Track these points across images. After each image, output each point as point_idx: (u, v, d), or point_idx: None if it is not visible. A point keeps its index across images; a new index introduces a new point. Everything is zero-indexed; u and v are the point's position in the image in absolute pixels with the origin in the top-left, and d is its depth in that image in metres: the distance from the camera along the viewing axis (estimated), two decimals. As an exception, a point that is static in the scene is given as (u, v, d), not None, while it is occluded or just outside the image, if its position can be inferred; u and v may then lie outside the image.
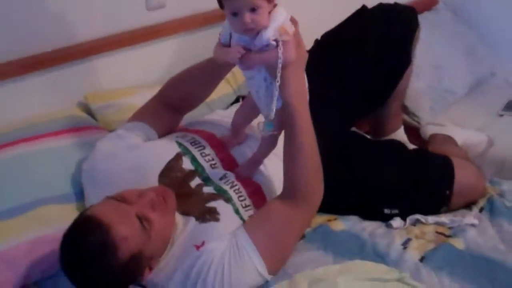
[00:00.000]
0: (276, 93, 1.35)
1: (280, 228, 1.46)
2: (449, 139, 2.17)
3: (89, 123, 1.88)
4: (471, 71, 3.05)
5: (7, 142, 1.68)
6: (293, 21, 1.38)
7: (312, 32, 2.01)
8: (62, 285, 1.39)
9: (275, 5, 1.34)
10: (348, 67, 1.89)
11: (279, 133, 1.51)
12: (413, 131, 2.62)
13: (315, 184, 1.49)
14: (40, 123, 1.78)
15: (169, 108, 1.71)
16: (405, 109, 2.84)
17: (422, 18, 3.09)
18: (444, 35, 3.09)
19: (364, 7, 1.99)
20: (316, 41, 2.03)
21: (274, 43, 1.32)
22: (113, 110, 1.94)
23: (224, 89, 2.12)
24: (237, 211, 1.49)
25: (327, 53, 1.93)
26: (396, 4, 1.98)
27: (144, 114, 1.70)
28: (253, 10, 1.27)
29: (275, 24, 1.31)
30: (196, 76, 1.65)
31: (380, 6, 1.99)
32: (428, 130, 2.30)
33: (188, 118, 1.82)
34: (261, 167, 1.60)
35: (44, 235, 1.47)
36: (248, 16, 1.27)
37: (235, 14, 1.28)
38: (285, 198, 1.48)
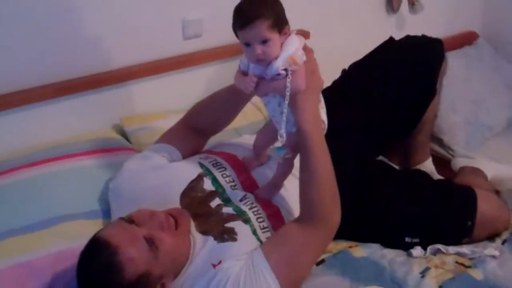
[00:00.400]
0: (284, 119, 1.39)
1: (296, 251, 1.47)
2: (477, 172, 2.16)
3: (122, 144, 1.96)
4: (510, 106, 3.02)
5: (43, 159, 1.77)
6: (307, 49, 1.43)
7: (339, 63, 2.06)
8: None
9: (289, 34, 1.39)
10: (374, 97, 1.93)
11: (294, 156, 1.54)
12: (448, 164, 2.61)
13: (331, 207, 1.50)
14: (75, 142, 1.87)
15: (194, 131, 1.77)
16: (440, 142, 2.85)
17: (462, 53, 3.14)
18: (483, 70, 3.08)
19: (391, 39, 2.03)
20: (343, 71, 2.07)
21: (283, 72, 1.37)
22: (146, 132, 2.01)
23: (254, 116, 2.18)
24: (254, 232, 1.52)
25: (354, 83, 1.98)
26: (423, 36, 2.01)
27: (170, 137, 1.77)
28: (264, 42, 1.32)
29: (285, 55, 1.36)
30: (219, 101, 1.71)
31: (408, 38, 2.02)
32: (458, 162, 2.29)
33: (214, 142, 1.88)
34: (281, 190, 1.63)
35: (69, 249, 1.52)
36: (259, 48, 1.32)
37: (247, 44, 1.34)
38: (302, 221, 1.49)
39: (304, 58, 1.40)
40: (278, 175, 1.60)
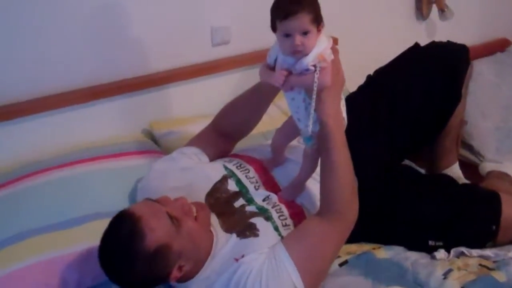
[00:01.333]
0: (312, 110, 1.44)
1: (316, 244, 1.51)
2: (504, 176, 2.14)
3: (151, 148, 2.02)
4: (541, 113, 2.98)
5: (76, 161, 1.84)
6: (334, 49, 1.47)
7: (367, 69, 2.08)
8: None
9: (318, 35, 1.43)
10: (398, 102, 1.94)
11: (317, 159, 1.58)
12: (478, 171, 2.60)
13: (349, 200, 1.54)
14: (106, 145, 1.95)
15: (221, 135, 1.82)
16: (470, 148, 2.83)
17: (493, 59, 3.11)
18: (514, 76, 3.06)
19: (416, 44, 2.04)
20: (369, 77, 2.09)
21: (312, 68, 1.41)
22: (175, 137, 2.07)
23: (281, 121, 2.19)
24: (276, 228, 1.55)
25: (379, 88, 2.00)
26: (448, 42, 2.01)
27: (198, 140, 1.82)
28: (304, 33, 1.37)
29: (316, 51, 1.41)
30: (245, 102, 1.76)
31: (433, 43, 2.04)
32: (486, 167, 2.28)
33: (241, 147, 1.91)
34: (304, 191, 1.66)
35: (98, 246, 1.56)
36: (299, 39, 1.36)
37: (287, 35, 1.38)
38: (321, 215, 1.53)
39: (332, 57, 1.44)
40: (301, 175, 1.63)
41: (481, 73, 2.98)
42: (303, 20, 1.35)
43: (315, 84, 1.41)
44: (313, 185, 1.65)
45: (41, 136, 1.93)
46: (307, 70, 1.42)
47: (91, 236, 1.58)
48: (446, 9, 2.87)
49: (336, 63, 1.47)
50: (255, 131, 1.88)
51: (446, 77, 1.93)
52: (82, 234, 1.62)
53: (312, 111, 1.43)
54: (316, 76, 1.40)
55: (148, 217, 1.38)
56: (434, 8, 2.92)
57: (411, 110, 1.94)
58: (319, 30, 1.40)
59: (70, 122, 1.96)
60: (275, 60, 1.47)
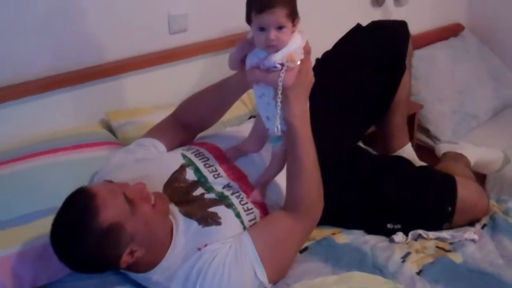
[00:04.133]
0: (279, 111, 1.44)
1: (282, 238, 1.54)
2: (460, 157, 2.19)
3: (108, 139, 1.98)
4: (496, 96, 3.07)
5: (29, 154, 1.79)
6: (306, 49, 1.47)
7: (314, 52, 2.09)
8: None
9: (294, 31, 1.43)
10: (348, 81, 1.99)
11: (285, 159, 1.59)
12: (435, 154, 2.64)
13: (316, 199, 1.57)
14: (62, 137, 1.90)
15: (182, 126, 1.79)
16: (426, 132, 2.89)
17: (448, 44, 3.17)
18: (469, 61, 3.13)
19: (358, 25, 2.11)
20: (317, 60, 2.11)
21: (279, 66, 1.41)
22: (132, 127, 2.04)
23: (240, 110, 2.20)
24: (238, 215, 1.56)
25: (327, 70, 2.03)
26: (387, 20, 2.13)
27: (157, 131, 1.80)
28: (279, 28, 1.37)
29: (286, 50, 1.41)
30: (208, 98, 1.74)
31: (373, 22, 2.12)
32: (442, 148, 2.32)
33: (203, 133, 1.90)
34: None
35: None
36: (273, 34, 1.37)
37: (262, 29, 1.38)
38: (288, 211, 1.56)
39: (302, 56, 1.45)
40: (268, 175, 1.65)
41: (436, 58, 3.03)
42: (279, 14, 1.35)
43: (279, 84, 1.41)
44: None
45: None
46: (275, 67, 1.42)
47: (46, 232, 1.54)
48: (401, -5, 2.90)
49: (306, 62, 1.48)
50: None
51: (389, 51, 2.00)
52: (37, 230, 1.58)
53: (278, 110, 1.44)
54: (281, 75, 1.41)
55: (104, 194, 1.38)
56: (390, -5, 2.95)
57: (360, 86, 1.99)
58: (294, 25, 1.41)
59: (25, 114, 1.91)
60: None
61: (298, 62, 1.44)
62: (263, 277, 1.47)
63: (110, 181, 1.48)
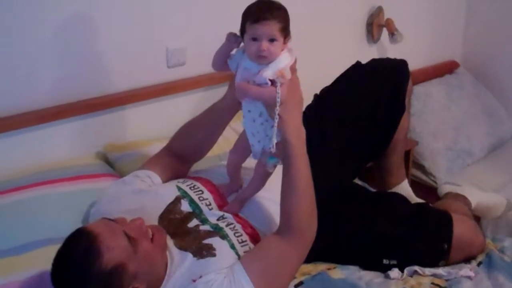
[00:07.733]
0: (276, 126, 1.45)
1: (275, 263, 1.51)
2: (459, 197, 2.20)
3: (105, 171, 1.99)
4: (490, 133, 3.10)
5: (27, 185, 1.79)
6: (292, 69, 1.48)
7: (311, 88, 2.11)
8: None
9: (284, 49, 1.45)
10: (346, 119, 2.00)
11: (269, 175, 1.59)
12: (431, 191, 2.65)
13: (309, 221, 1.55)
14: (59, 168, 1.90)
15: (176, 157, 1.80)
16: (422, 168, 2.90)
17: (443, 81, 3.21)
18: (463, 98, 3.16)
19: (358, 63, 2.12)
20: (315, 96, 2.13)
21: (269, 82, 1.43)
22: (130, 159, 2.04)
23: (235, 142, 2.21)
24: (232, 246, 1.55)
25: (326, 107, 2.04)
26: (388, 58, 2.11)
27: (152, 163, 1.81)
28: (271, 40, 1.40)
29: (276, 66, 1.43)
30: (199, 124, 1.76)
31: (373, 60, 2.14)
32: (444, 189, 2.33)
33: (198, 167, 1.90)
34: (257, 212, 1.67)
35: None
36: (265, 44, 1.40)
37: (254, 39, 1.41)
38: (281, 233, 1.54)
39: (290, 75, 1.46)
40: (248, 192, 1.65)
41: (431, 95, 3.06)
42: (273, 27, 1.39)
43: (277, 99, 1.42)
44: (269, 206, 1.67)
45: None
46: (266, 84, 1.43)
47: (43, 262, 1.52)
48: (396, 32, 2.94)
49: (294, 80, 1.49)
50: (210, 153, 1.86)
51: (389, 90, 2.02)
52: (34, 260, 1.57)
53: (275, 127, 1.44)
54: (278, 91, 1.42)
55: (106, 235, 1.37)
56: (385, 32, 2.99)
57: (358, 125, 2.00)
58: (285, 43, 1.44)
59: (22, 145, 1.91)
60: (236, 67, 1.49)
61: (288, 79, 1.45)
62: None
63: (108, 218, 1.46)
